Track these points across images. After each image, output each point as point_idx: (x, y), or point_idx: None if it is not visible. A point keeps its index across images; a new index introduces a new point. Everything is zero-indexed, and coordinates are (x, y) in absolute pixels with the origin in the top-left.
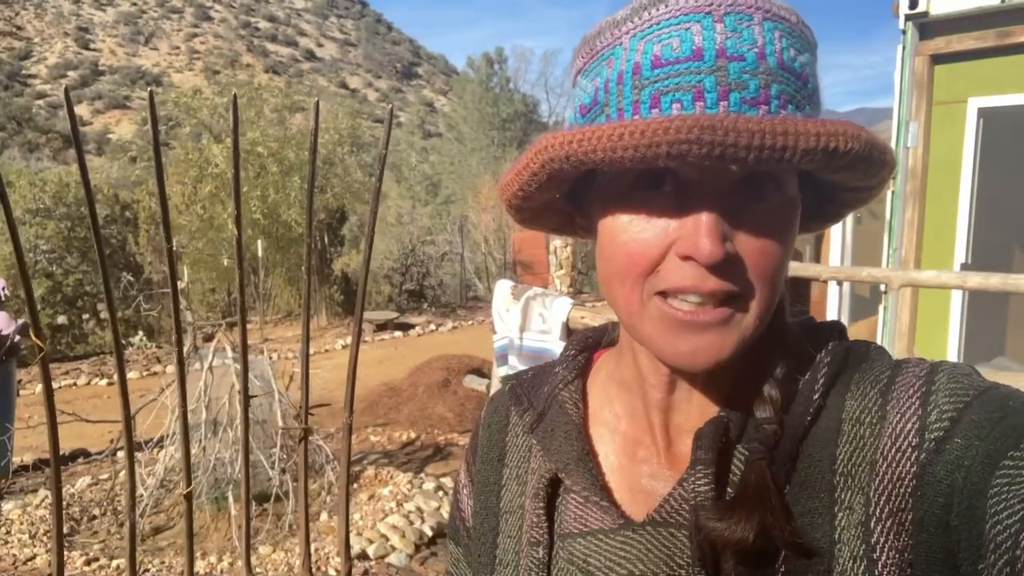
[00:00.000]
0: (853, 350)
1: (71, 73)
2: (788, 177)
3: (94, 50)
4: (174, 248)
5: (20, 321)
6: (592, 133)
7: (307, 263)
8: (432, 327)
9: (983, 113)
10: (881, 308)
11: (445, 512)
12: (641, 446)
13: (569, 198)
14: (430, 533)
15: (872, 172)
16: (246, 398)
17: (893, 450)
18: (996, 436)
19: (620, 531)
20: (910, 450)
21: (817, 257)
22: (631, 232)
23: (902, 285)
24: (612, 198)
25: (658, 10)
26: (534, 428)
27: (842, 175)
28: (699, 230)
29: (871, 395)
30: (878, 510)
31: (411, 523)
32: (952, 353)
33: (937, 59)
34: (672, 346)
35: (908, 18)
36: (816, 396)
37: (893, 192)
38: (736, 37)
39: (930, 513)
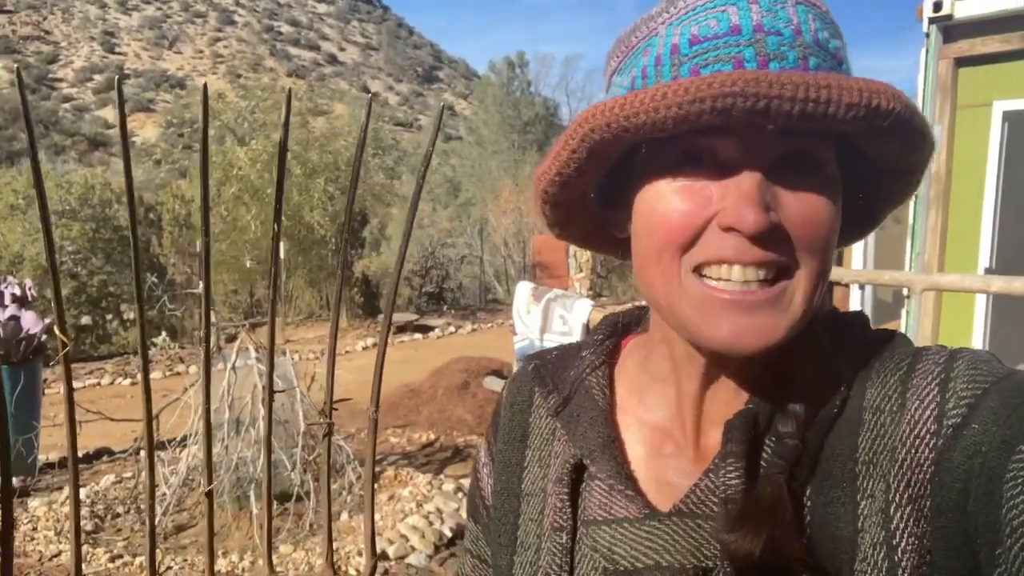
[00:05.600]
0: (876, 340)
1: (97, 77)
2: (827, 154)
3: (119, 54)
4: (198, 249)
5: (47, 320)
6: (634, 97)
7: (343, 255)
8: (451, 329)
9: (1008, 116)
10: (904, 312)
11: (464, 513)
12: (670, 439)
13: (603, 199)
14: (449, 534)
15: (914, 144)
16: (270, 393)
17: (912, 437)
18: (1013, 422)
19: (646, 521)
20: (928, 436)
21: (839, 260)
22: (672, 203)
23: (925, 289)
24: (651, 175)
25: None
26: (559, 412)
27: (884, 144)
28: (742, 199)
29: (891, 383)
30: (897, 496)
31: (431, 524)
32: None
33: (961, 62)
34: (713, 327)
35: (932, 21)
36: (841, 388)
37: (916, 196)
38: (771, 16)
39: (948, 499)
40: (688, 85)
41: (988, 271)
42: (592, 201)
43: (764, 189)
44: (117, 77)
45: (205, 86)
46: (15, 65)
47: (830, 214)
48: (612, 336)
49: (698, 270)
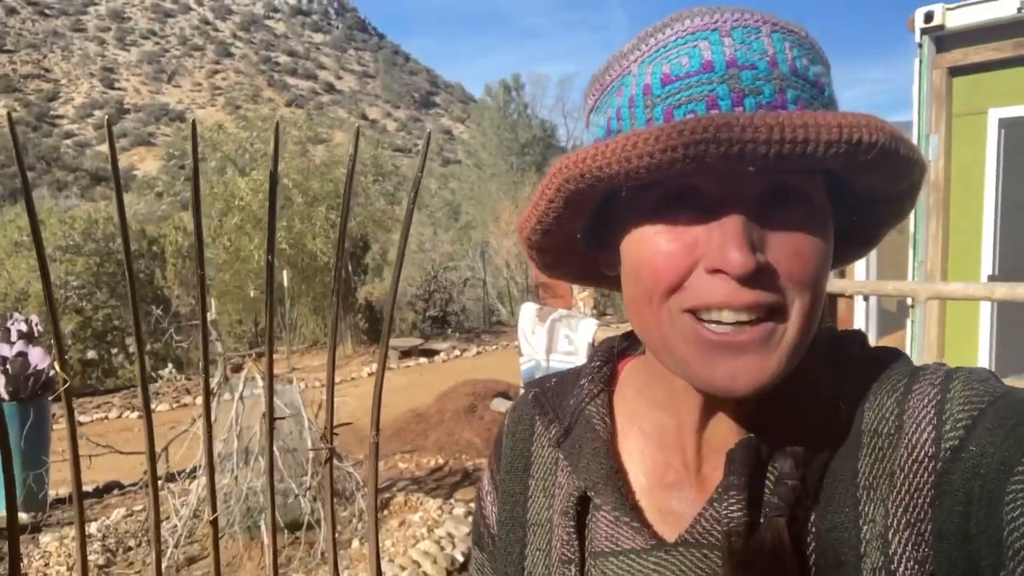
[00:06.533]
0: (874, 359)
1: (97, 112)
2: (813, 186)
3: (119, 89)
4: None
5: (54, 357)
6: (605, 147)
7: (337, 267)
8: (456, 352)
9: (1004, 123)
10: (909, 322)
11: None
12: (671, 469)
13: (590, 241)
14: (461, 559)
15: (903, 171)
16: (271, 420)
17: (910, 461)
18: (1011, 442)
19: (653, 552)
20: (926, 460)
21: (842, 272)
22: (656, 246)
23: (928, 298)
24: (634, 218)
25: (664, 34)
26: (560, 442)
27: (871, 176)
28: (727, 241)
29: (888, 405)
30: (895, 521)
31: (442, 549)
32: (982, 365)
33: (955, 71)
34: (708, 371)
35: (924, 32)
36: (841, 412)
37: (916, 206)
38: (746, 48)
39: (949, 522)
40: (659, 133)
41: (991, 278)
42: (580, 243)
43: (749, 228)
44: (107, 117)
45: (193, 122)
46: (10, 110)
47: (819, 248)
48: (608, 362)
49: (690, 312)
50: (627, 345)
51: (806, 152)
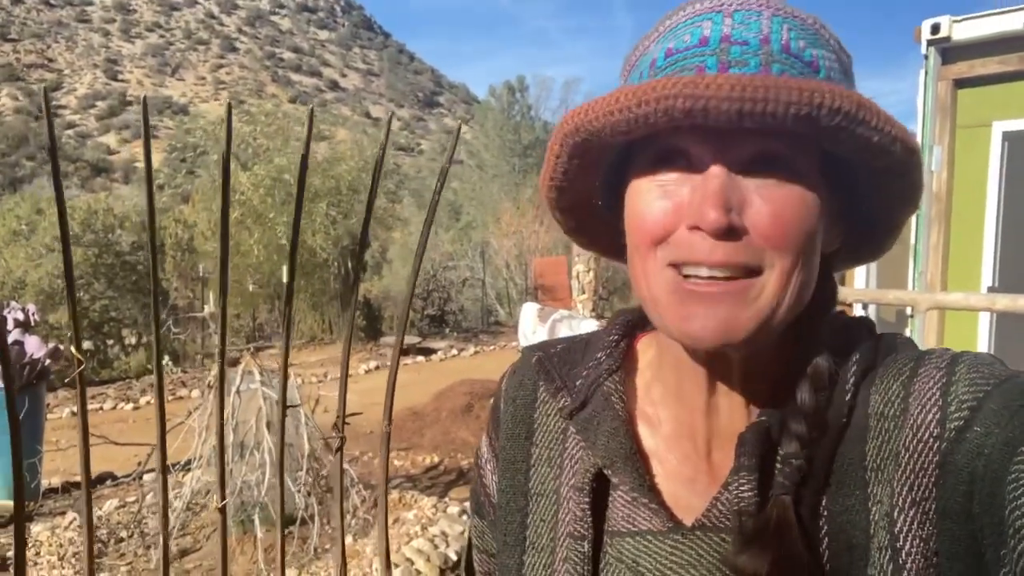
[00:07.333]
0: (881, 345)
1: (100, 103)
2: (800, 154)
3: (122, 81)
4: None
5: (50, 345)
6: (595, 102)
7: (362, 243)
8: (454, 352)
9: (1008, 137)
10: (907, 332)
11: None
12: (684, 453)
13: (608, 203)
14: (455, 557)
15: (879, 144)
16: (283, 410)
17: (915, 441)
18: (1015, 424)
19: (670, 534)
20: (931, 440)
21: (842, 280)
22: (648, 202)
23: (929, 308)
24: (635, 174)
25: (677, 16)
26: (573, 415)
27: (849, 146)
28: (705, 200)
29: (894, 388)
30: (900, 500)
31: (436, 547)
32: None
33: (960, 83)
34: (683, 319)
35: (930, 43)
36: (848, 397)
37: (918, 215)
38: (743, 28)
39: (952, 501)
40: (636, 89)
41: (991, 290)
42: (600, 209)
43: (729, 189)
44: (143, 96)
45: (229, 105)
46: (39, 86)
47: (802, 212)
48: (625, 336)
49: (673, 266)
50: (642, 317)
51: (766, 111)
